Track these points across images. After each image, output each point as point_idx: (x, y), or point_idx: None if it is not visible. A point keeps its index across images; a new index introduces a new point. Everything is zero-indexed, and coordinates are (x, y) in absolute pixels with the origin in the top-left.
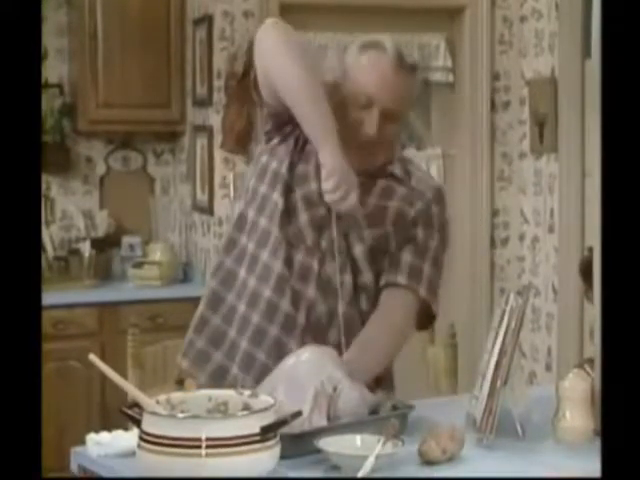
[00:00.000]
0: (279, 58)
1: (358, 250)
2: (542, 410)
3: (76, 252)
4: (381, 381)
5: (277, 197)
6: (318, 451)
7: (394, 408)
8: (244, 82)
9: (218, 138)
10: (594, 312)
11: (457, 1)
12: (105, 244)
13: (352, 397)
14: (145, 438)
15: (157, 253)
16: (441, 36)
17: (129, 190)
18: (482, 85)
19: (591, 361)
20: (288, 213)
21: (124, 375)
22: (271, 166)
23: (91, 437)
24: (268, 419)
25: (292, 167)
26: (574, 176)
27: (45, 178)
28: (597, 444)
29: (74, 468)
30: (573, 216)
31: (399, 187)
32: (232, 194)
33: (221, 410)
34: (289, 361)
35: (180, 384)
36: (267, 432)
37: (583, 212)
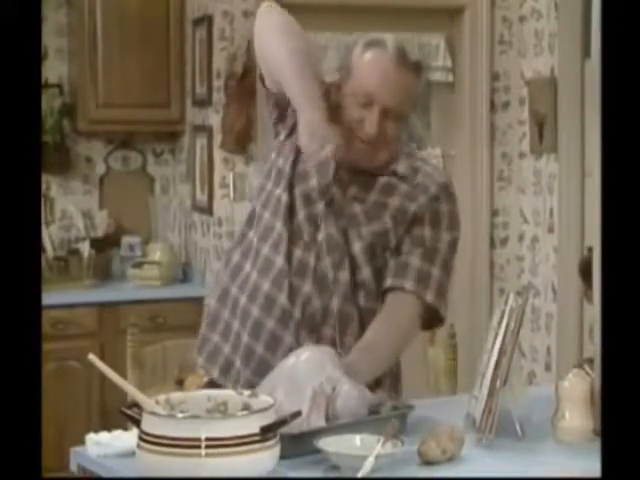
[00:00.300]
0: (268, 34)
1: (357, 247)
2: (542, 410)
3: (76, 252)
4: (386, 381)
5: (280, 193)
6: (318, 451)
7: (394, 408)
8: (244, 82)
9: (218, 138)
10: (593, 312)
11: (457, 1)
12: (105, 244)
13: (351, 397)
14: (145, 438)
15: (157, 253)
16: (441, 36)
17: (129, 190)
18: (482, 85)
19: (591, 361)
20: (290, 209)
21: (123, 375)
22: (277, 164)
23: (91, 437)
24: (268, 419)
25: (295, 164)
26: (574, 176)
27: (45, 178)
28: (597, 444)
29: (74, 468)
30: (573, 216)
31: (401, 184)
32: (232, 194)
33: (221, 410)
34: (289, 361)
35: (180, 384)
36: (267, 432)
37: (583, 212)
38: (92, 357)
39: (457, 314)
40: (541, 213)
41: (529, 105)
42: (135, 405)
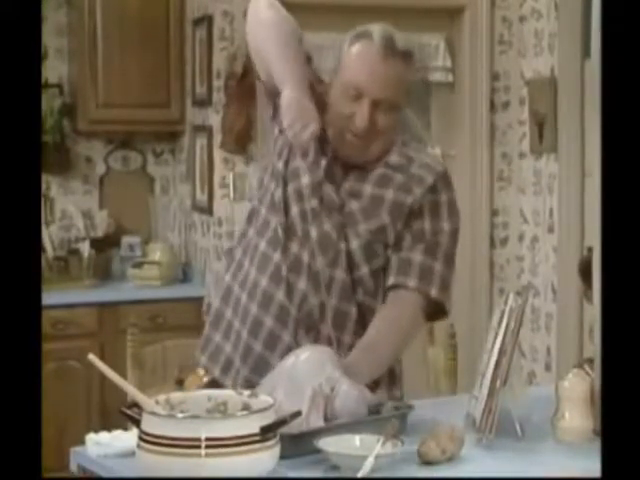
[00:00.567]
0: (254, 18)
1: (354, 244)
2: (541, 410)
3: (76, 252)
4: (384, 379)
5: (274, 189)
6: (318, 451)
7: (394, 408)
8: (244, 82)
9: (218, 138)
10: (593, 312)
11: (457, 1)
12: (105, 244)
13: (350, 397)
14: (144, 438)
15: (157, 253)
16: (441, 36)
17: (129, 190)
18: (482, 85)
19: (590, 361)
20: (285, 205)
21: (123, 375)
22: (273, 160)
23: (90, 437)
24: (268, 419)
25: (288, 161)
26: (574, 176)
27: (45, 178)
28: (597, 444)
29: (74, 468)
30: (573, 216)
31: (396, 174)
32: (232, 194)
33: (220, 410)
34: (288, 361)
35: (180, 384)
36: (267, 432)
37: (583, 212)
38: (92, 357)
39: (457, 314)
40: (541, 213)
41: (529, 105)
42: (135, 405)
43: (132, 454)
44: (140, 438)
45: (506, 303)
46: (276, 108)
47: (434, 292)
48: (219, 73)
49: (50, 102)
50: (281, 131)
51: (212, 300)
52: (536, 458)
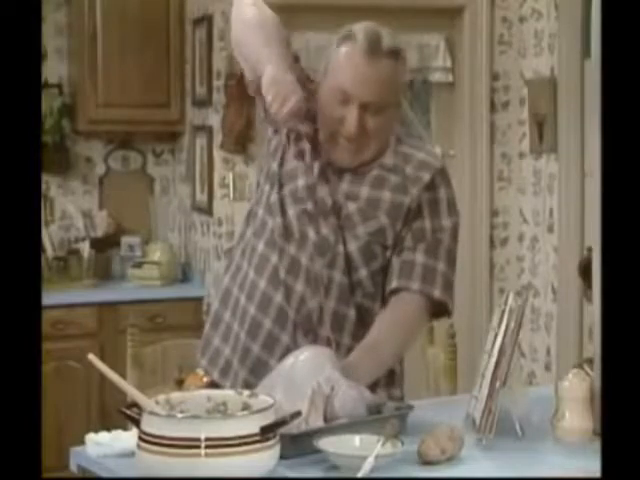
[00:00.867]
0: (238, 17)
1: (353, 247)
2: (541, 410)
3: (75, 252)
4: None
5: (269, 190)
6: (318, 451)
7: (395, 409)
8: (244, 82)
9: (218, 138)
10: (593, 312)
11: (457, 1)
12: (104, 244)
13: (349, 397)
14: (144, 438)
15: (156, 253)
16: (441, 36)
17: (128, 190)
18: (481, 85)
19: (590, 361)
20: (280, 206)
21: (123, 375)
22: (268, 161)
23: (90, 437)
24: (268, 419)
25: (282, 162)
26: (574, 176)
27: (45, 178)
28: (597, 444)
29: (73, 468)
30: (573, 216)
31: (391, 175)
32: (232, 194)
33: (220, 410)
34: (288, 361)
35: (180, 384)
36: (267, 432)
37: (583, 212)
38: (92, 357)
39: (457, 314)
40: (541, 213)
41: (529, 105)
42: (135, 405)
43: (132, 454)
44: (140, 438)
45: (506, 303)
46: (267, 110)
47: (437, 293)
48: (219, 73)
49: (50, 102)
50: (276, 131)
51: (212, 300)
52: (536, 458)
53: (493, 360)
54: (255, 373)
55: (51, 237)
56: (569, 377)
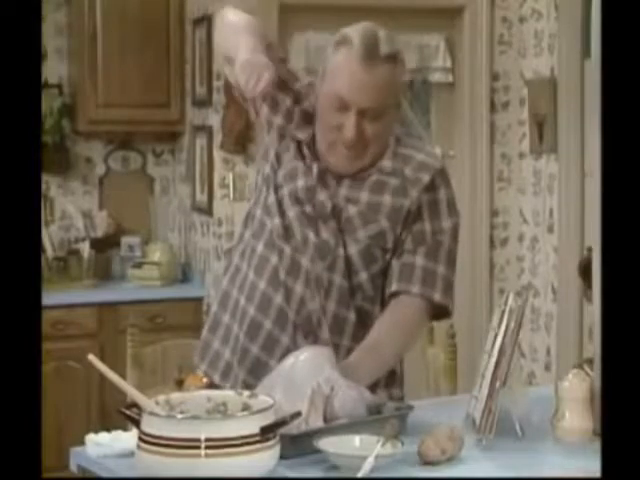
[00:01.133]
0: (221, 23)
1: (353, 250)
2: (541, 410)
3: (75, 252)
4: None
5: (266, 192)
6: (318, 451)
7: (395, 409)
8: None
9: (218, 138)
10: (593, 312)
11: (456, 1)
12: (104, 244)
13: (349, 397)
14: (144, 439)
15: (156, 253)
16: (441, 36)
17: (128, 190)
18: (481, 85)
19: (590, 361)
20: (279, 207)
21: (123, 375)
22: (263, 164)
23: (90, 437)
24: (268, 419)
25: (277, 164)
26: (574, 176)
27: (45, 178)
28: (597, 444)
29: (73, 468)
30: (573, 216)
31: (390, 179)
32: (232, 194)
33: (220, 411)
34: (288, 361)
35: (179, 384)
36: (267, 432)
37: (583, 212)
38: (92, 357)
39: (457, 314)
40: (541, 213)
41: (529, 105)
42: (135, 405)
43: (132, 454)
44: (140, 438)
45: (506, 303)
46: (257, 112)
47: (438, 297)
48: (219, 73)
49: (50, 102)
50: (269, 130)
51: (212, 301)
52: (536, 458)
53: (493, 360)
54: (254, 374)
55: (51, 237)
56: (569, 377)
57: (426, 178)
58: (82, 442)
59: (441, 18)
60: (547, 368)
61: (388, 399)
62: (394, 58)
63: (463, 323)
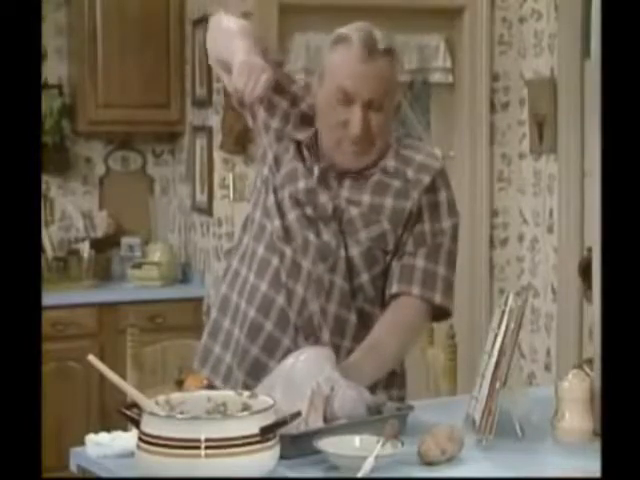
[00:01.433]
0: (215, 28)
1: (355, 252)
2: (541, 411)
3: (75, 252)
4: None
5: (265, 196)
6: (318, 451)
7: (396, 409)
8: None
9: (217, 139)
10: (593, 312)
11: (457, 1)
12: (104, 244)
13: (349, 398)
14: (144, 439)
15: (156, 253)
16: (440, 37)
17: (128, 190)
18: (481, 86)
19: (590, 362)
20: (278, 209)
21: (123, 376)
22: (261, 167)
23: (90, 437)
24: (267, 420)
25: (276, 167)
26: (573, 176)
27: (44, 179)
28: (597, 444)
29: (73, 468)
30: (572, 216)
31: (393, 180)
32: (232, 195)
33: (220, 411)
34: (288, 361)
35: (179, 385)
36: (267, 433)
37: (582, 212)
38: (91, 358)
39: (457, 314)
40: (541, 213)
41: (529, 105)
42: (134, 406)
43: (132, 455)
44: (140, 439)
45: (506, 304)
46: (253, 116)
47: (438, 298)
48: (219, 75)
49: (50, 103)
50: (266, 133)
51: (212, 302)
52: (536, 459)
53: (493, 360)
54: (254, 375)
55: (51, 237)
56: (569, 377)
57: (427, 179)
58: (82, 442)
59: (441, 18)
60: (547, 368)
61: (388, 399)
62: (391, 52)
63: (463, 323)
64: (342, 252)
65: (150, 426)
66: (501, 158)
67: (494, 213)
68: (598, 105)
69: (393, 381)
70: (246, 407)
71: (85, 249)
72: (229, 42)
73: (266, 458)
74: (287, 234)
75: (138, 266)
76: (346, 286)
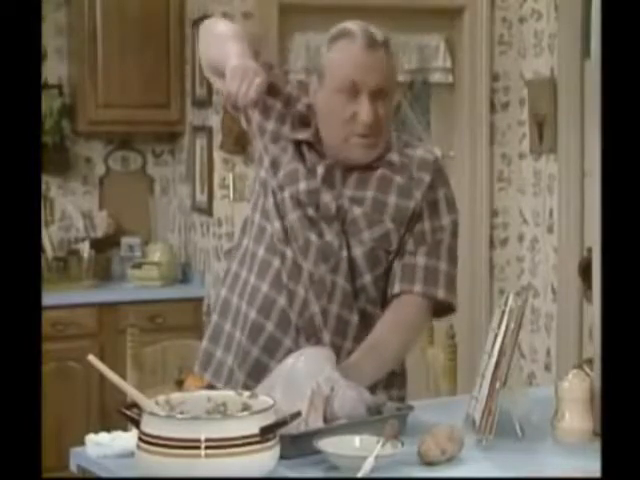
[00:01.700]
0: (208, 32)
1: (358, 252)
2: (541, 411)
3: (75, 252)
4: (388, 380)
5: (263, 195)
6: (318, 451)
7: (396, 409)
8: None
9: (217, 139)
10: (593, 312)
11: (457, 1)
12: (104, 244)
13: (349, 398)
14: (144, 439)
15: (156, 253)
16: (440, 37)
17: (128, 191)
18: (481, 86)
19: (590, 362)
20: (277, 210)
21: (123, 376)
22: (259, 170)
23: (90, 438)
24: (268, 420)
25: (273, 170)
26: (573, 176)
27: (45, 179)
28: (597, 444)
29: (73, 468)
30: (572, 216)
31: (396, 176)
32: (232, 195)
33: (220, 411)
34: (288, 362)
35: (179, 385)
36: (266, 433)
37: (582, 212)
38: (91, 358)
39: (457, 314)
40: (541, 214)
41: (529, 105)
42: (134, 406)
43: (132, 455)
44: (140, 439)
45: (506, 304)
46: (248, 120)
47: (441, 294)
48: None
49: (50, 103)
50: (262, 136)
51: (211, 303)
52: (536, 459)
53: (493, 361)
54: (254, 376)
55: (51, 237)
56: (569, 378)
57: (427, 178)
58: (82, 442)
59: (441, 18)
60: (547, 369)
61: (388, 400)
62: (388, 44)
63: (463, 323)
64: (344, 252)
65: (150, 426)
66: (501, 158)
67: (494, 213)
68: (598, 105)
69: (393, 381)
70: (246, 407)
71: (85, 249)
72: (222, 46)
73: (266, 458)
74: (288, 235)
75: (138, 266)
76: (348, 287)
